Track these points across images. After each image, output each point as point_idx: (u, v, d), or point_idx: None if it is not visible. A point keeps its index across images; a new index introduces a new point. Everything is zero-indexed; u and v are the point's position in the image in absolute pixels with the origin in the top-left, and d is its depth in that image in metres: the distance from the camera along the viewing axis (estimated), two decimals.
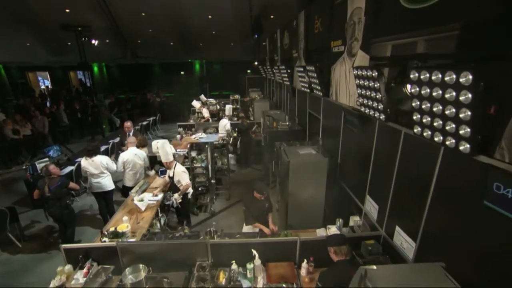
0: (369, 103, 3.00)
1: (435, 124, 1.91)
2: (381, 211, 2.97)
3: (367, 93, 2.97)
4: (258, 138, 7.39)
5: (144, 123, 10.15)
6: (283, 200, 4.13)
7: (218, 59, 20.13)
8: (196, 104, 9.44)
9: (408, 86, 2.40)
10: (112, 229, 3.35)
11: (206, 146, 5.00)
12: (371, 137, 3.17)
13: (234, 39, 15.88)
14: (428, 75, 1.88)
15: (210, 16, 13.46)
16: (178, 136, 7.57)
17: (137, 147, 5.17)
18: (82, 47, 14.19)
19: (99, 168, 4.61)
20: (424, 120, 2.06)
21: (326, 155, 3.98)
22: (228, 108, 7.92)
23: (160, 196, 4.45)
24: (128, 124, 5.75)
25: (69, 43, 15.33)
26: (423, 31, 2.25)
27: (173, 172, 4.31)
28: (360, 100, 3.19)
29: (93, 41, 14.03)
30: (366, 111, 3.09)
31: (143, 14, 12.94)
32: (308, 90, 5.51)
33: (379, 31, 2.94)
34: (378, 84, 2.66)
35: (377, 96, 2.75)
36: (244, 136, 7.39)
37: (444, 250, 2.05)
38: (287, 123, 6.19)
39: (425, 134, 2.11)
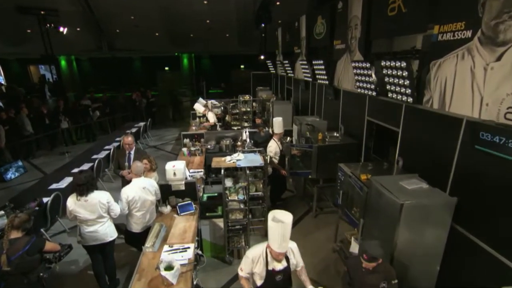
0: None
1: None
2: None
3: None
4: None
5: (134, 130, 8.71)
6: (381, 254, 3.05)
7: (209, 52, 18.79)
8: (199, 107, 8.16)
9: None
10: None
11: (248, 171, 3.83)
12: None
13: (231, 30, 14.69)
14: None
15: (205, 1, 12.19)
16: (185, 150, 6.33)
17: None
18: (46, 36, 12.42)
19: (96, 210, 3.29)
20: None
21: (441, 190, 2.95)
22: (279, 123, 5.32)
23: (192, 248, 3.23)
24: (129, 139, 4.39)
25: (28, 31, 13.41)
26: None
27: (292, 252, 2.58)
28: None
29: (60, 29, 12.26)
30: None
31: None
32: (372, 93, 4.50)
33: None
34: None
35: None
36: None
37: None
38: (336, 135, 5.14)
39: None
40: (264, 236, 4.89)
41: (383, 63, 3.89)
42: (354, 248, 4.10)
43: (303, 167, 5.34)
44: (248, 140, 6.81)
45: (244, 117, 8.90)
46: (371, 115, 4.80)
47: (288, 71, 9.18)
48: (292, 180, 6.53)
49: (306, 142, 5.45)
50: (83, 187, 3.20)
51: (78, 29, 13.54)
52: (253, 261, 2.47)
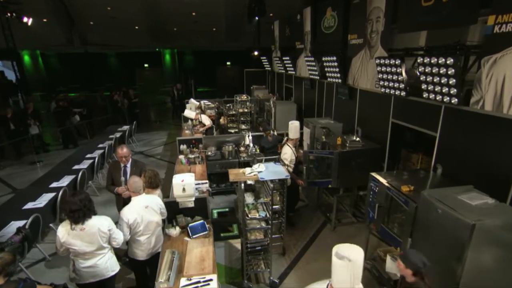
0: None
1: None
2: None
3: None
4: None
5: (118, 135, 8.00)
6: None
7: (194, 48, 18.12)
8: (190, 114, 7.63)
9: None
10: None
11: (272, 184, 3.43)
12: None
13: (219, 23, 14.18)
14: None
15: None
16: (182, 157, 5.81)
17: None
18: (7, 27, 11.34)
19: (95, 241, 2.75)
20: None
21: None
22: (295, 127, 5.01)
23: (215, 280, 2.78)
24: (124, 151, 3.80)
25: None
26: None
27: None
28: None
29: (24, 19, 11.22)
30: None
31: None
32: (401, 93, 4.25)
33: None
34: None
35: None
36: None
37: None
38: (357, 139, 4.85)
39: None
40: (282, 254, 4.52)
41: (420, 60, 3.64)
42: (391, 267, 3.82)
43: (318, 175, 5.02)
44: (251, 145, 6.40)
45: (242, 118, 8.46)
46: (397, 117, 4.56)
47: (288, 69, 8.86)
48: (303, 188, 6.20)
49: (323, 147, 5.13)
50: (78, 213, 2.66)
51: (45, 20, 12.49)
52: None
